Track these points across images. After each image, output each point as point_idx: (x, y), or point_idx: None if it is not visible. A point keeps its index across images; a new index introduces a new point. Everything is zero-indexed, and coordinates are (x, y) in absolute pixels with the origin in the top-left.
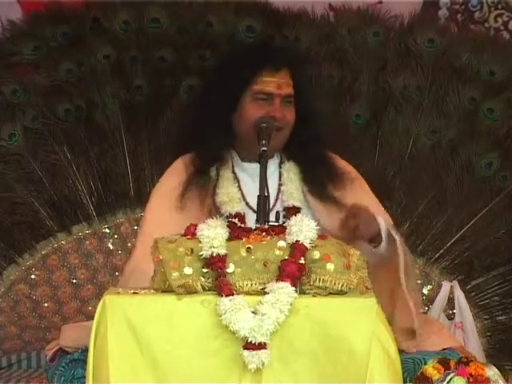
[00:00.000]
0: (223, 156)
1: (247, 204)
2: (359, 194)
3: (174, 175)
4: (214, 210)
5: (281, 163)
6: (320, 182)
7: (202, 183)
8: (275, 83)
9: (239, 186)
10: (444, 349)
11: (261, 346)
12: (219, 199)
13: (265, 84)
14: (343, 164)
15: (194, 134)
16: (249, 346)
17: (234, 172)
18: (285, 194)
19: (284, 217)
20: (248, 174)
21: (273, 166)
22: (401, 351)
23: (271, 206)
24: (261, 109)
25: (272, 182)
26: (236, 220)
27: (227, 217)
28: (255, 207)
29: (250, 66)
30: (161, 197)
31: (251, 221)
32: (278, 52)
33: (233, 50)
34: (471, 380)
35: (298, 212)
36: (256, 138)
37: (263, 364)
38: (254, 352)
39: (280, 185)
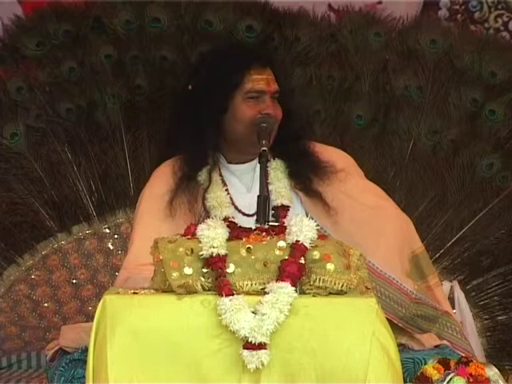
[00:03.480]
0: (213, 159)
1: (236, 207)
2: (342, 186)
3: (161, 182)
4: (204, 215)
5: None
6: (305, 175)
7: (190, 189)
8: (264, 80)
9: (227, 190)
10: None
11: (261, 346)
12: (208, 204)
13: (255, 82)
14: (332, 156)
15: (181, 137)
16: (249, 345)
17: (221, 175)
18: (273, 193)
19: (273, 216)
20: (236, 175)
21: (259, 165)
22: (401, 350)
23: None
24: (253, 107)
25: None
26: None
27: None
28: (244, 210)
29: (239, 66)
30: (150, 204)
31: (241, 224)
32: (261, 50)
33: (216, 53)
34: (471, 380)
35: (288, 210)
36: (251, 136)
37: (262, 364)
38: (254, 352)
39: (267, 184)
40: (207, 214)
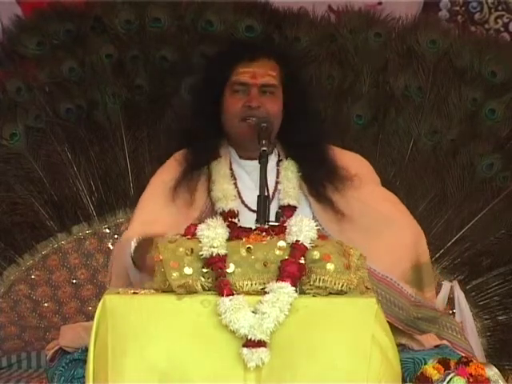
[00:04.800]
0: (217, 152)
1: (243, 202)
2: (356, 192)
3: (167, 172)
4: (210, 206)
5: (279, 161)
6: (319, 182)
7: (194, 179)
8: (250, 73)
9: (236, 183)
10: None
11: (260, 343)
12: (214, 195)
13: (240, 75)
14: (345, 160)
15: (187, 131)
16: (248, 343)
17: (231, 168)
18: (281, 193)
19: (278, 214)
20: (245, 170)
21: (271, 163)
22: (401, 350)
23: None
24: (239, 100)
25: (269, 179)
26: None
27: (220, 213)
28: (251, 205)
29: (228, 60)
30: (155, 189)
31: (246, 219)
32: (255, 43)
33: (217, 51)
34: (471, 380)
35: (294, 211)
36: (243, 131)
37: (263, 362)
38: (254, 350)
39: (277, 183)
40: (212, 206)
